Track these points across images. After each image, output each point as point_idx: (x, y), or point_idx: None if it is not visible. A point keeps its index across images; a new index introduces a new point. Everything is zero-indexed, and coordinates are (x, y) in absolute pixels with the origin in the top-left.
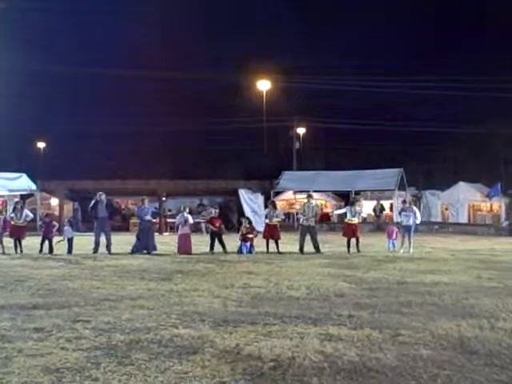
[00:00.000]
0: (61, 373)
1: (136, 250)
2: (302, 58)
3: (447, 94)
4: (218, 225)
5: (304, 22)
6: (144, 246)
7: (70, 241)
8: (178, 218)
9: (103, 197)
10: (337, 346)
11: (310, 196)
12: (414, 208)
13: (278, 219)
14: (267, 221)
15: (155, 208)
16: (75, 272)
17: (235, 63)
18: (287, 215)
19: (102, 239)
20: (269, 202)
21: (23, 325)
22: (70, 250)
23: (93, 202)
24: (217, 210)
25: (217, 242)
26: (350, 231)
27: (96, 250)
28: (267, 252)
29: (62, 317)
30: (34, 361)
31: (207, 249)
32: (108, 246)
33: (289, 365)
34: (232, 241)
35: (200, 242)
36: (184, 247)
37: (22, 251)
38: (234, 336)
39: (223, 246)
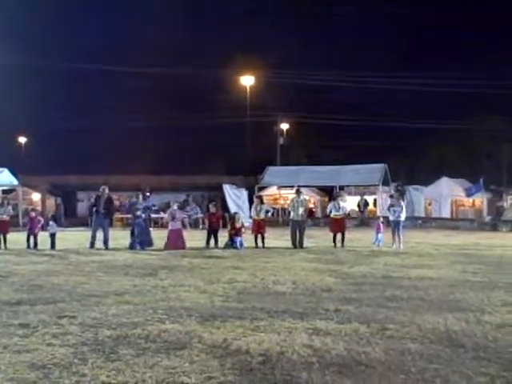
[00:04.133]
0: (48, 369)
1: (132, 246)
2: (287, 54)
3: (432, 90)
4: (215, 220)
5: (290, 17)
6: (143, 240)
7: (53, 236)
8: (166, 213)
9: (106, 190)
10: (325, 340)
11: (298, 191)
12: (402, 203)
13: (268, 214)
14: (255, 216)
15: (152, 205)
16: (59, 267)
17: (220, 58)
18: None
19: (99, 235)
20: (255, 197)
21: (8, 321)
22: (53, 246)
23: (94, 197)
24: (214, 205)
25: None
26: (336, 226)
27: (92, 244)
28: (256, 247)
29: (47, 312)
30: (20, 357)
31: (194, 244)
32: (105, 242)
33: (277, 359)
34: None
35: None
36: (175, 243)
37: (6, 247)
38: (221, 331)
39: (216, 241)
